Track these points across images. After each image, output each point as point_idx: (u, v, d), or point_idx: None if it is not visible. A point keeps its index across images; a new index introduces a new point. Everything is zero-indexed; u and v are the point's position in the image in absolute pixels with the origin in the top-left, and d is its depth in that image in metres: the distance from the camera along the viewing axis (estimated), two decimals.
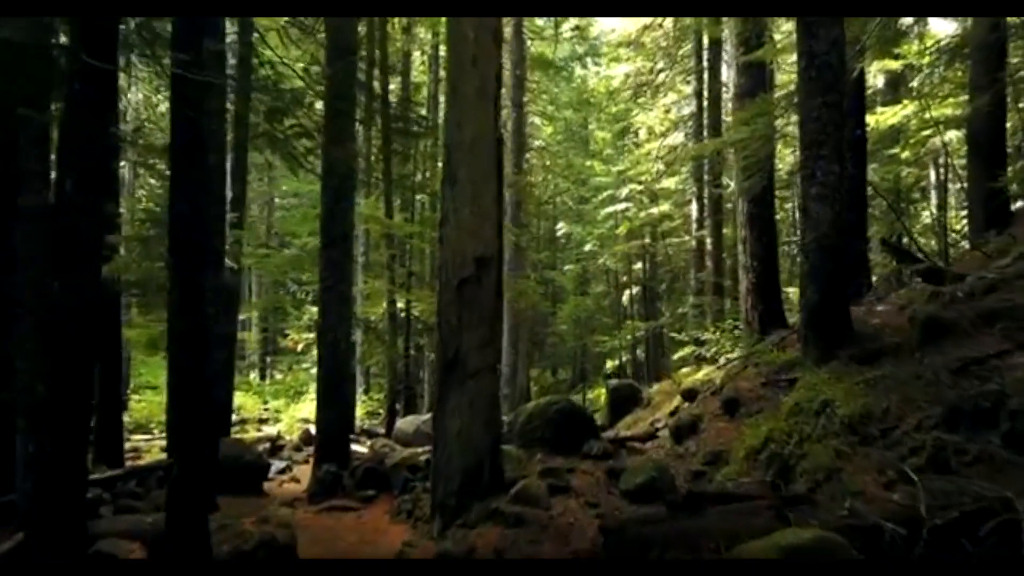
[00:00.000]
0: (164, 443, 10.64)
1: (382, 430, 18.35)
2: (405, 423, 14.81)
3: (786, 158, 18.92)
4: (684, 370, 15.37)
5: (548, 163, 30.11)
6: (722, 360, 11.03)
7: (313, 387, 23.56)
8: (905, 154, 14.97)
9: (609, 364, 31.14)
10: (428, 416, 15.03)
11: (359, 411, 20.85)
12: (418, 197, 20.76)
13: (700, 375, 10.79)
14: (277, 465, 14.05)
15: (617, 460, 7.84)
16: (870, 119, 12.87)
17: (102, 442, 10.54)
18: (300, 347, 23.64)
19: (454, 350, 5.73)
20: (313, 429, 20.04)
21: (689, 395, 10.23)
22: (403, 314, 17.43)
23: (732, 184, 22.48)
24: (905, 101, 14.99)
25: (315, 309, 20.89)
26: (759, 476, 4.79)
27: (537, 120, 29.04)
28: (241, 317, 30.54)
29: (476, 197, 5.66)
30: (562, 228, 34.79)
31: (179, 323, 6.77)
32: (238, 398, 24.15)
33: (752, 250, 10.72)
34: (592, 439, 8.23)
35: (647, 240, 27.40)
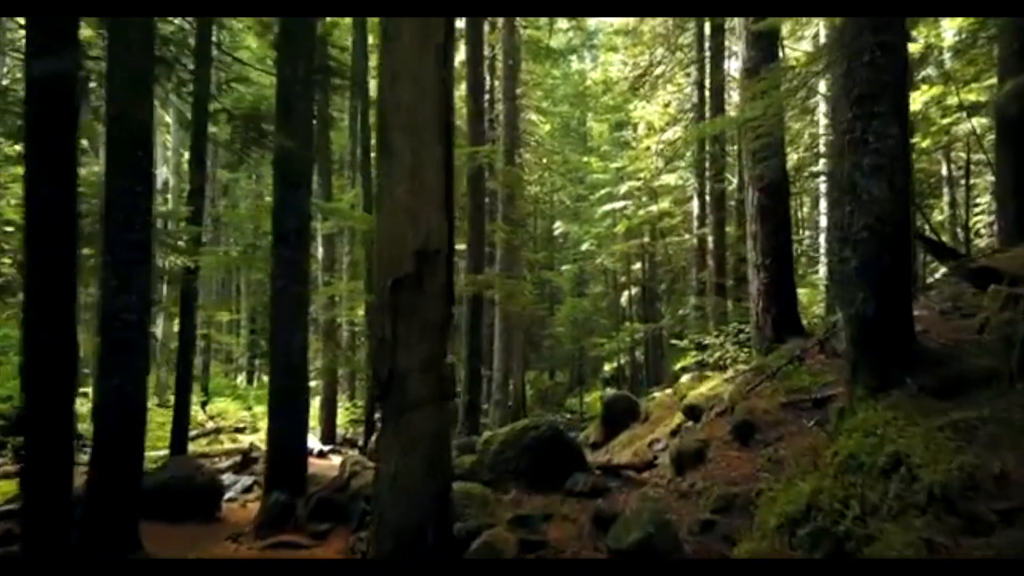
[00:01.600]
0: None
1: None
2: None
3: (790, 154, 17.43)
4: (685, 378, 13.87)
5: (545, 160, 28.61)
6: (730, 371, 9.53)
7: None
8: (925, 143, 13.46)
9: (607, 367, 29.66)
10: None
11: (341, 418, 19.41)
12: None
13: (704, 388, 9.29)
14: (244, 482, 12.57)
15: (607, 499, 6.34)
16: None
17: None
18: None
19: (387, 373, 4.25)
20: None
21: (692, 412, 8.73)
22: None
23: (735, 181, 20.99)
24: (924, 86, 13.54)
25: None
26: (799, 557, 3.31)
27: (534, 116, 27.55)
28: (229, 318, 29.20)
29: (416, 171, 4.18)
30: (559, 227, 33.31)
31: (36, 334, 5.34)
32: (219, 405, 22.68)
33: (764, 247, 9.24)
34: (578, 471, 6.73)
35: (646, 239, 25.95)
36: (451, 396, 4.75)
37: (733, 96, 21.67)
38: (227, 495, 11.87)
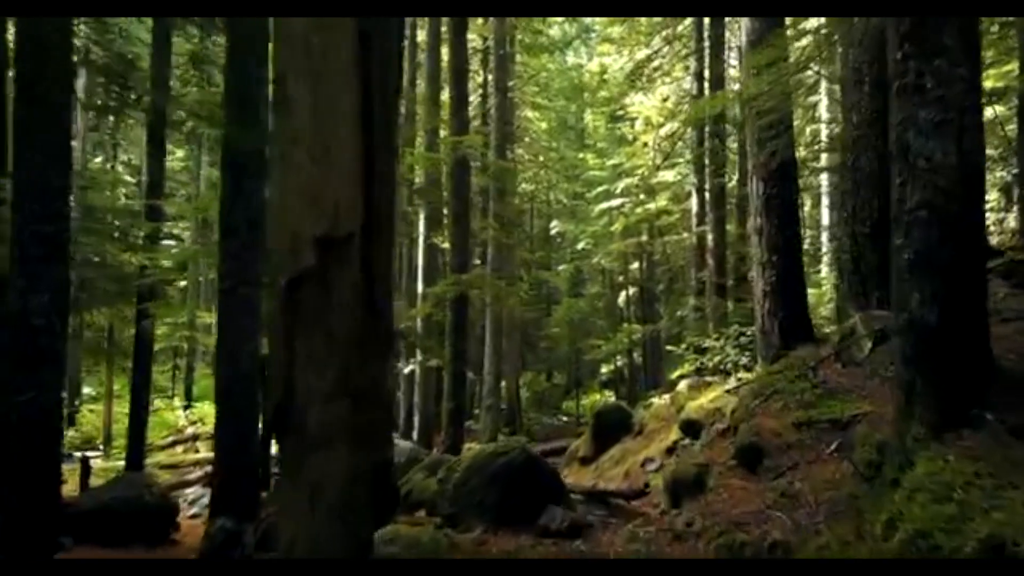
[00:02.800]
0: None
1: None
2: None
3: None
4: (683, 385, 12.74)
5: (541, 158, 27.48)
6: (732, 380, 8.39)
7: None
8: None
9: (605, 369, 28.53)
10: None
11: None
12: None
13: (704, 399, 8.16)
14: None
15: (588, 540, 5.22)
16: None
17: None
18: None
19: (280, 401, 3.14)
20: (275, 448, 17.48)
21: (690, 428, 7.61)
22: None
23: (734, 178, 19.86)
24: None
25: None
26: None
27: (530, 113, 26.42)
28: (212, 319, 28.04)
29: (321, 130, 3.06)
30: (556, 226, 32.19)
31: None
32: (202, 409, 21.56)
33: (770, 242, 8.12)
34: (554, 504, 5.60)
35: (644, 237, 24.80)
36: (383, 430, 3.61)
37: (735, 87, 20.53)
38: (191, 512, 10.82)
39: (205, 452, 17.03)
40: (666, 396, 13.91)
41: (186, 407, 21.14)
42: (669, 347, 17.70)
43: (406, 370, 15.56)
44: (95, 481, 10.99)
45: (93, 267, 11.03)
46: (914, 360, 3.20)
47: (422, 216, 16.24)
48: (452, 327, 12.54)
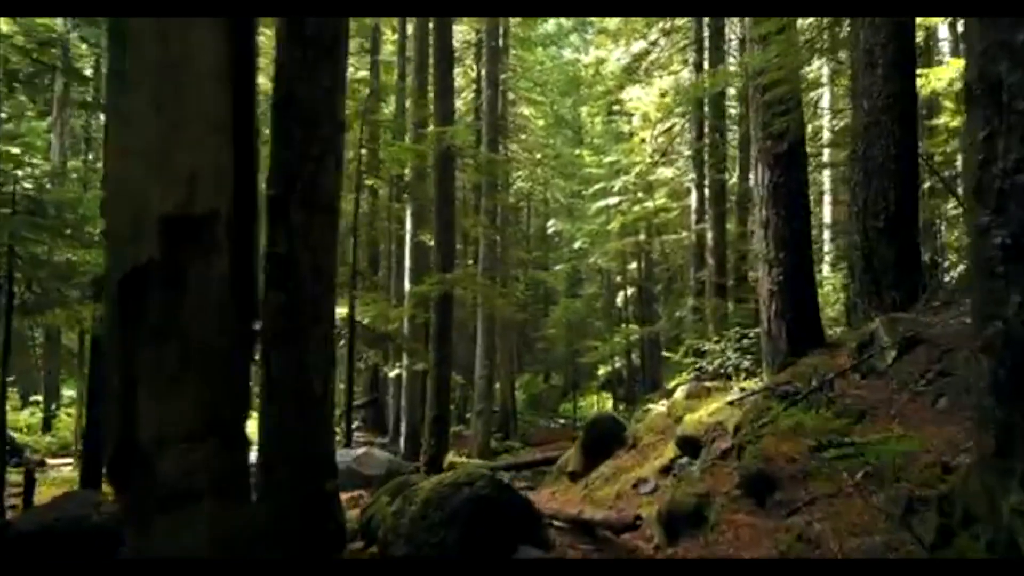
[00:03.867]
0: None
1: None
2: None
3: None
4: (680, 392, 11.81)
5: (540, 156, 26.55)
6: (734, 390, 7.44)
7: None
8: (955, 122, 11.37)
9: (603, 370, 27.59)
10: (362, 451, 11.54)
11: None
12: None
13: (703, 411, 7.23)
14: None
15: None
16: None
17: None
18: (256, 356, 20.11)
19: (119, 439, 2.23)
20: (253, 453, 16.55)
21: (688, 445, 6.68)
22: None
23: (735, 175, 18.94)
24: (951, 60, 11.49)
25: None
26: None
27: (526, 110, 25.50)
28: None
29: (169, 71, 2.16)
30: (553, 225, 31.27)
31: None
32: None
33: (777, 236, 7.20)
34: (528, 543, 4.67)
35: (642, 236, 23.88)
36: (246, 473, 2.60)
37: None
38: None
39: None
40: (663, 402, 13.00)
41: None
42: (667, 353, 16.75)
43: (392, 374, 14.64)
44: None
45: (49, 266, 10.11)
46: (1012, 391, 2.27)
47: (408, 212, 15.33)
48: (436, 329, 11.62)
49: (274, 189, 4.55)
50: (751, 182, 7.57)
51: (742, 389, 7.24)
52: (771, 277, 7.29)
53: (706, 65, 17.20)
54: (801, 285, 7.26)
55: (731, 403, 7.01)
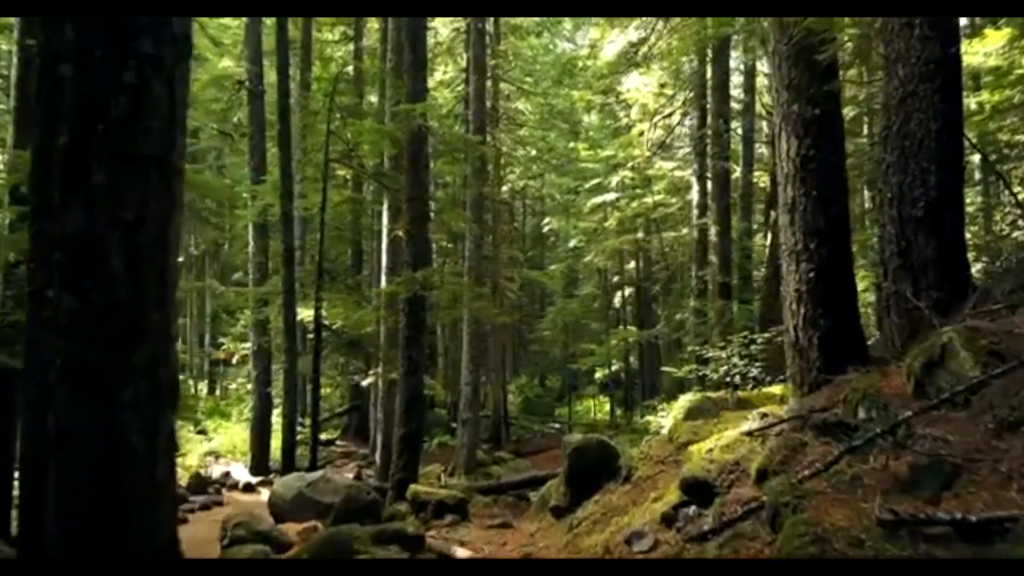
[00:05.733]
0: None
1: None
2: (285, 482, 9.60)
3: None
4: (682, 403, 10.21)
5: (534, 152, 24.91)
6: (753, 416, 5.75)
7: (245, 407, 18.48)
8: (996, 97, 9.71)
9: (600, 373, 25.94)
10: (319, 474, 9.90)
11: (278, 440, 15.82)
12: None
13: (713, 442, 5.59)
14: None
15: None
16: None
17: None
18: (236, 359, 18.56)
19: None
20: (217, 470, 14.94)
21: (696, 489, 5.03)
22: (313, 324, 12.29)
23: (738, 169, 17.31)
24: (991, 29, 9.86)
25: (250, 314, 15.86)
26: None
27: (521, 105, 23.85)
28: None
29: None
30: (549, 223, 29.64)
31: None
32: None
33: (808, 221, 5.57)
34: None
35: (640, 234, 22.26)
36: None
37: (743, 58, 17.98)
38: None
39: None
40: (663, 421, 11.35)
41: None
42: (667, 368, 15.11)
43: (365, 382, 13.03)
44: None
45: None
46: None
47: (385, 205, 13.72)
48: (406, 334, 10.00)
49: (67, 136, 2.90)
50: (777, 155, 5.93)
51: (763, 415, 5.59)
52: (799, 273, 5.66)
53: (708, 51, 15.61)
54: (838, 284, 5.63)
55: (749, 434, 5.38)
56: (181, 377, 25.00)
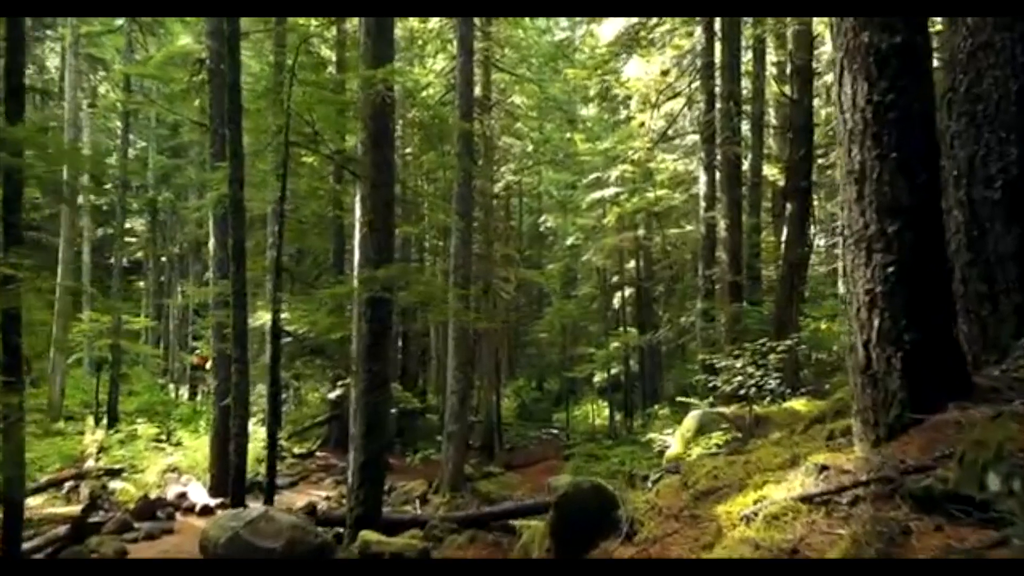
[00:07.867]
0: None
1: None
2: (220, 521, 7.81)
3: None
4: (690, 421, 8.48)
5: (530, 147, 23.15)
6: (811, 469, 3.97)
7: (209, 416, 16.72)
8: None
9: (598, 377, 24.18)
10: (260, 511, 8.15)
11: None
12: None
13: (753, 507, 3.84)
14: None
15: None
16: None
17: None
18: (208, 364, 16.82)
19: None
20: (174, 489, 13.20)
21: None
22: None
23: (748, 159, 15.56)
24: None
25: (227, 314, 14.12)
26: None
27: (518, 100, 22.10)
28: (142, 325, 23.77)
29: None
30: (545, 221, 27.89)
31: None
32: (113, 436, 17.26)
33: (884, 194, 3.84)
34: None
35: (641, 231, 20.50)
36: None
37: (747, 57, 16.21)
38: None
39: (88, 489, 12.73)
40: (668, 439, 9.58)
41: (110, 424, 16.87)
42: (679, 398, 13.33)
43: (332, 395, 11.27)
44: None
45: None
46: None
47: (358, 197, 11.96)
48: (366, 343, 8.28)
49: None
50: (835, 104, 4.17)
51: (821, 468, 3.82)
52: (872, 269, 3.92)
53: (716, 24, 13.87)
54: (928, 283, 3.87)
55: (807, 499, 3.62)
56: (161, 381, 23.30)
